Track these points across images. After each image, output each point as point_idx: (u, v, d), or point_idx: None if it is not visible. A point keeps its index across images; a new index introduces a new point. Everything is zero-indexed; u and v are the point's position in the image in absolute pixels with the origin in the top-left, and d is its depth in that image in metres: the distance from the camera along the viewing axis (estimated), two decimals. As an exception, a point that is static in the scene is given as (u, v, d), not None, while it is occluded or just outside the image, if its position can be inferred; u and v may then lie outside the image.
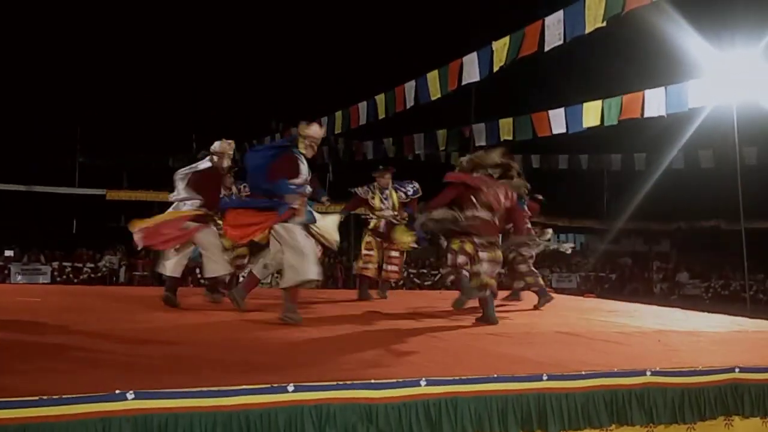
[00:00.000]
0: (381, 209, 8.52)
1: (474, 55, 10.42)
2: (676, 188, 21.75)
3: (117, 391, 2.96)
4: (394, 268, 8.67)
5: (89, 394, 2.93)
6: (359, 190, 8.67)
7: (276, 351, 4.50)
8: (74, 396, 2.91)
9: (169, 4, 23.77)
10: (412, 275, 20.66)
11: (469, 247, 6.21)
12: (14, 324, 5.25)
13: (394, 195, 8.52)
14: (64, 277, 19.25)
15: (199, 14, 24.38)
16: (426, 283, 20.57)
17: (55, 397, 2.87)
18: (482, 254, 6.23)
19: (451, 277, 6.39)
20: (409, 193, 8.62)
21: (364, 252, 8.66)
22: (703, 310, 8.85)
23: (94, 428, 2.88)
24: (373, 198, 8.55)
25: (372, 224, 8.60)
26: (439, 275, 20.56)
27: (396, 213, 8.51)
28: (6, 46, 22.56)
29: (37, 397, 2.85)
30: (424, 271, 21.45)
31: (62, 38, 22.94)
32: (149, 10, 23.67)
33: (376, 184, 8.64)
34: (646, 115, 10.51)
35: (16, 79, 23.02)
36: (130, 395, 2.96)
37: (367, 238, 8.64)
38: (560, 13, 8.82)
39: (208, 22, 24.61)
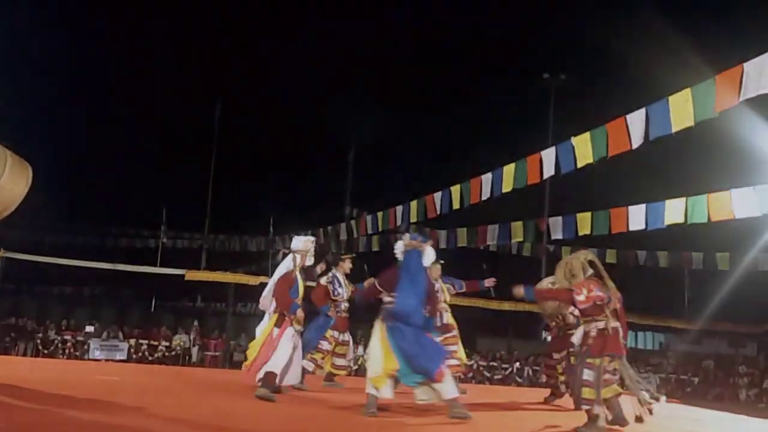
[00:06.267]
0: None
1: (552, 150, 10.44)
2: (764, 289, 20.73)
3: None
4: (343, 362, 8.49)
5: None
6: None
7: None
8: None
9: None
10: (481, 368, 20.00)
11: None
12: (96, 404, 5.37)
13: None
14: (140, 354, 19.62)
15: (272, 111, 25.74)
16: (496, 377, 19.82)
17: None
18: None
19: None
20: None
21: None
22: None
23: None
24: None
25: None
26: (510, 370, 19.90)
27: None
28: (104, 135, 24.36)
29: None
30: (494, 364, 20.74)
31: (149, 130, 24.77)
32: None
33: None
34: (738, 216, 10.17)
35: (112, 166, 24.75)
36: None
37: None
38: (642, 112, 8.78)
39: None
